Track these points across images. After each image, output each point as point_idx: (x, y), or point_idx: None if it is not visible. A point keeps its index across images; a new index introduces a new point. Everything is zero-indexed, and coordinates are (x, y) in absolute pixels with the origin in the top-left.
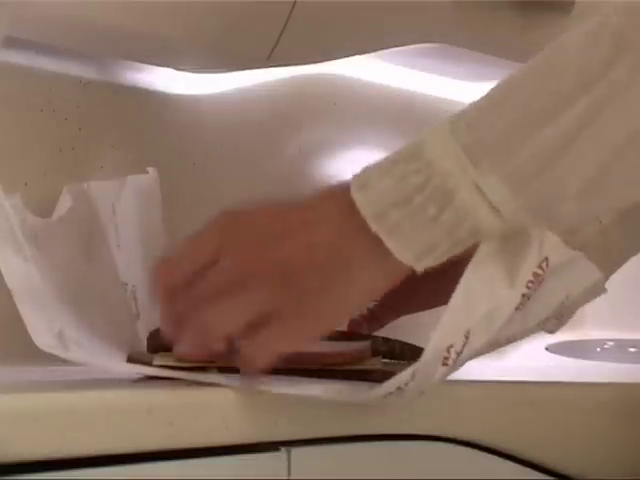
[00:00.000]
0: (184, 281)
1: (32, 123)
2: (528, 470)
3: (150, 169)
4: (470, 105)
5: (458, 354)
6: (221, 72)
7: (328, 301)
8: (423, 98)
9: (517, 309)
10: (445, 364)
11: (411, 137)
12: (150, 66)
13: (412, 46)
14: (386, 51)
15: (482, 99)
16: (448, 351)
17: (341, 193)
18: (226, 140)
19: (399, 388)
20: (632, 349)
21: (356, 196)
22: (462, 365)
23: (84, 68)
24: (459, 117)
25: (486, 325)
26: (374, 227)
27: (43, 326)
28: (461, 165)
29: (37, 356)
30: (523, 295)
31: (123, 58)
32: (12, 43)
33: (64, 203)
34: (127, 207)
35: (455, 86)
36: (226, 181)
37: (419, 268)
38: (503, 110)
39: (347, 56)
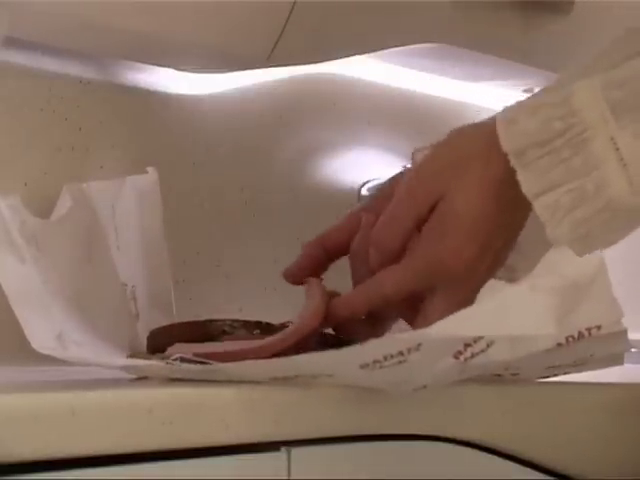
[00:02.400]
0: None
1: (32, 123)
2: (528, 470)
3: (150, 169)
4: (622, 66)
5: (472, 355)
6: (221, 72)
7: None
8: (423, 98)
9: (546, 351)
10: (456, 357)
11: (411, 137)
12: (151, 66)
13: (412, 46)
14: (386, 51)
15: (635, 60)
16: (465, 347)
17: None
18: (226, 140)
19: (401, 353)
20: (632, 349)
21: (500, 131)
22: (469, 375)
23: (84, 68)
24: (612, 75)
25: (510, 348)
26: (512, 161)
27: (41, 328)
28: (604, 118)
29: (37, 356)
30: (558, 344)
31: (123, 58)
32: (12, 43)
33: (63, 203)
34: (127, 207)
35: (455, 86)
36: (226, 181)
37: (537, 205)
38: None
39: (347, 56)
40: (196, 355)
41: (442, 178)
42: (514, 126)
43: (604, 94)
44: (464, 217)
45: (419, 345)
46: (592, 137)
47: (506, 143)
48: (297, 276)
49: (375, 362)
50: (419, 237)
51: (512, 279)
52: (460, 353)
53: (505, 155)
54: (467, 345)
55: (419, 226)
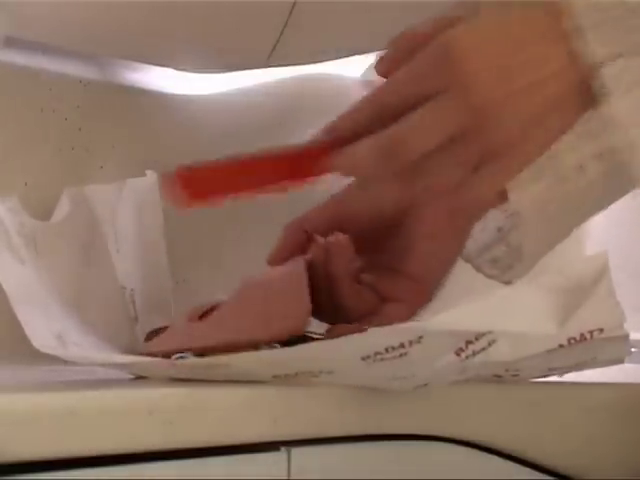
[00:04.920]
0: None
1: (32, 123)
2: (528, 470)
3: (148, 172)
4: None
5: (474, 353)
6: (221, 72)
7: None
8: None
9: (547, 351)
10: (457, 354)
11: None
12: (150, 66)
13: None
14: None
15: None
16: (466, 345)
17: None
18: (226, 140)
19: (402, 345)
20: (632, 349)
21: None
22: (469, 376)
23: (84, 68)
24: None
25: (512, 347)
26: (578, 20)
27: (41, 328)
28: None
29: (37, 356)
30: (560, 345)
31: (123, 58)
32: (12, 43)
33: (63, 207)
34: (126, 211)
35: None
36: None
37: (603, 72)
38: None
39: (347, 56)
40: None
41: None
42: None
43: None
44: None
45: (420, 338)
46: None
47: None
48: (280, 260)
49: (376, 354)
50: None
51: (509, 281)
52: (462, 350)
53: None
54: (469, 342)
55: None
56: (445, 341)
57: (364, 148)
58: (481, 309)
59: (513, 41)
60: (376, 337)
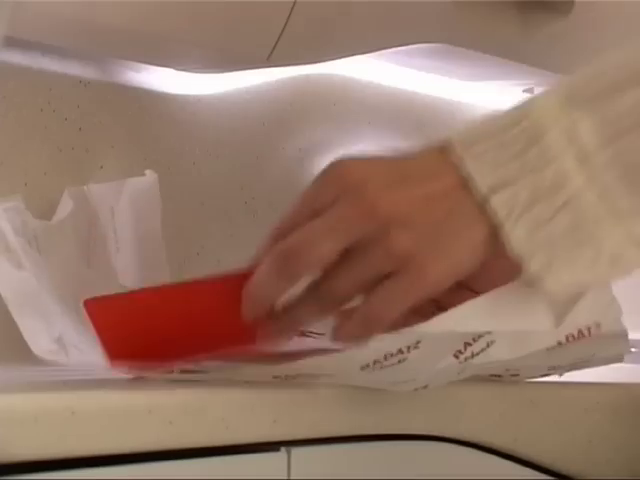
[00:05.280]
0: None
1: (32, 123)
2: (528, 470)
3: (148, 172)
4: (581, 69)
5: (473, 355)
6: (221, 72)
7: (457, 243)
8: (423, 98)
9: (546, 349)
10: (456, 357)
11: (411, 137)
12: (150, 66)
13: (412, 46)
14: (386, 51)
15: (591, 66)
16: (465, 347)
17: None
18: (226, 140)
19: (401, 351)
20: (632, 349)
21: (452, 135)
22: (469, 375)
23: (84, 68)
24: (568, 78)
25: (511, 346)
26: (459, 152)
27: (41, 332)
28: (558, 109)
29: (37, 356)
30: (559, 343)
31: (123, 58)
32: (12, 43)
33: (65, 206)
34: (126, 210)
35: (455, 86)
36: (226, 181)
37: (493, 201)
38: (611, 67)
39: (347, 56)
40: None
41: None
42: (465, 126)
43: (557, 90)
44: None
45: (418, 342)
46: (547, 129)
47: (455, 136)
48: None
49: (375, 362)
50: None
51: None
52: (460, 352)
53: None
54: (467, 344)
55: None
56: (443, 344)
57: (261, 271)
58: (477, 309)
59: (402, 159)
60: (375, 347)
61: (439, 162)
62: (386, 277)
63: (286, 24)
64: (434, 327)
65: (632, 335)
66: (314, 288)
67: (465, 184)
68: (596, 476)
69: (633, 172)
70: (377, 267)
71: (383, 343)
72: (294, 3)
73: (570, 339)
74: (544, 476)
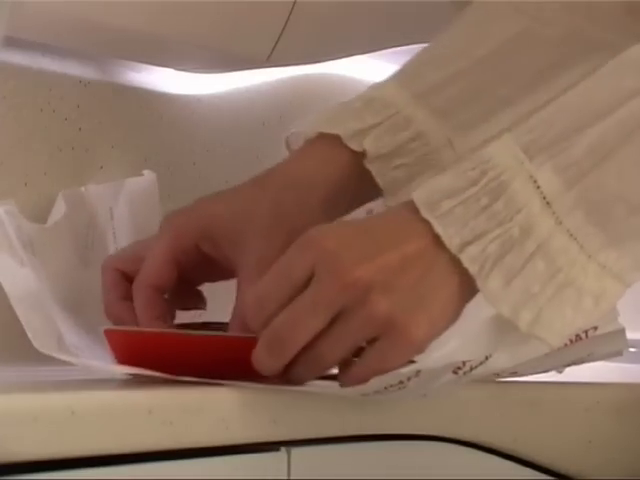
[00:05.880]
0: (279, 306)
1: (32, 123)
2: (528, 470)
3: (146, 171)
4: (533, 115)
5: (472, 369)
6: (221, 72)
7: (436, 300)
8: None
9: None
10: (455, 372)
11: None
12: (150, 66)
13: (412, 46)
14: (386, 51)
15: (545, 108)
16: (463, 363)
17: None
18: (226, 140)
19: (401, 382)
20: (632, 349)
21: (414, 195)
22: (467, 381)
23: (84, 68)
24: (522, 125)
25: (509, 357)
26: (425, 215)
27: (43, 329)
28: (518, 159)
29: (37, 356)
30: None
31: (123, 58)
32: (12, 43)
33: (59, 209)
34: (125, 210)
35: None
36: (226, 181)
37: (464, 258)
38: (562, 112)
39: (347, 56)
40: None
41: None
42: (426, 185)
43: (513, 139)
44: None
45: (418, 372)
46: (510, 179)
47: (418, 197)
48: (117, 310)
49: (376, 392)
50: None
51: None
52: (459, 368)
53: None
54: (465, 361)
55: None
56: (442, 367)
57: (257, 354)
58: (475, 338)
59: (374, 223)
60: (376, 382)
61: (410, 223)
62: (374, 340)
63: (286, 24)
64: (435, 362)
65: (632, 335)
66: (304, 353)
67: (437, 241)
68: (596, 476)
69: (598, 209)
70: (362, 333)
71: (383, 378)
72: (294, 3)
73: (568, 343)
74: (544, 476)
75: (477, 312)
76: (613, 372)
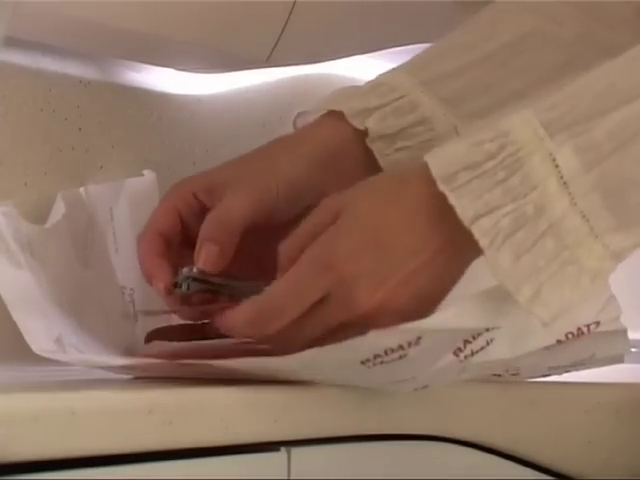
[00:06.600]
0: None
1: (32, 123)
2: (528, 470)
3: (146, 171)
4: (556, 91)
5: (472, 353)
6: (221, 72)
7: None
8: None
9: (546, 348)
10: (456, 355)
11: None
12: (150, 66)
13: (412, 46)
14: (386, 51)
15: (568, 85)
16: (464, 344)
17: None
18: (226, 140)
19: (401, 347)
20: (632, 349)
21: (428, 159)
22: (469, 376)
23: (84, 68)
24: (542, 101)
25: (510, 345)
26: (441, 187)
27: (40, 331)
28: (538, 136)
29: (36, 356)
30: (558, 341)
31: (123, 58)
32: (12, 43)
33: (58, 210)
34: (125, 210)
35: None
36: None
37: (475, 230)
38: (586, 93)
39: (347, 56)
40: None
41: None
42: (442, 152)
43: (535, 116)
44: (364, 220)
45: (419, 339)
46: (528, 155)
47: (435, 169)
48: (154, 271)
49: (376, 357)
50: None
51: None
52: (460, 350)
53: (434, 184)
54: (467, 342)
55: None
56: (443, 341)
57: (238, 315)
58: (478, 306)
59: (386, 232)
60: (375, 339)
61: (426, 225)
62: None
63: (286, 24)
64: (435, 324)
65: (632, 335)
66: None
67: (451, 241)
68: (596, 476)
69: (614, 195)
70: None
71: (383, 339)
72: (294, 3)
73: (569, 337)
74: (544, 476)
75: (474, 284)
76: (613, 372)
